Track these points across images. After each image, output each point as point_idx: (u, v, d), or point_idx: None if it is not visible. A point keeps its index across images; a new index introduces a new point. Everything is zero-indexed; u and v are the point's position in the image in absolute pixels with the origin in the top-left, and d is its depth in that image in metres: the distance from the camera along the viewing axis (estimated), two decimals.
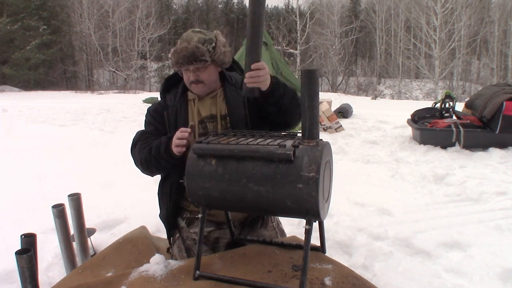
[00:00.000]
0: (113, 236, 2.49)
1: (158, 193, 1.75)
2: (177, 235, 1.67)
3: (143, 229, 1.96)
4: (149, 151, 1.52)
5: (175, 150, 1.43)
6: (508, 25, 22.61)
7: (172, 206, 1.65)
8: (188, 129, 1.43)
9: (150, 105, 1.72)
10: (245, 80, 1.34)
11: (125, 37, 26.78)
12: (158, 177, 1.75)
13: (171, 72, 1.92)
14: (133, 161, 1.63)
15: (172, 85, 1.70)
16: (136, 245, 1.72)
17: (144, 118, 1.71)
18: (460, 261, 2.22)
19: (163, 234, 1.78)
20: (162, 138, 1.51)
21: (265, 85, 1.38)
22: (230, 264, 1.36)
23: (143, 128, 1.69)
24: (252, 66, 1.32)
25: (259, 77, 1.33)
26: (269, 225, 1.72)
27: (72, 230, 2.17)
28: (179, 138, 1.42)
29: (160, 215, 1.75)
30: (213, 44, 1.54)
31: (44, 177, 3.99)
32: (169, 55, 1.59)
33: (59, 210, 1.98)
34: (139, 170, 1.64)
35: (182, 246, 1.62)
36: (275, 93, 1.44)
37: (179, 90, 1.65)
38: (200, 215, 1.29)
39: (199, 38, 1.53)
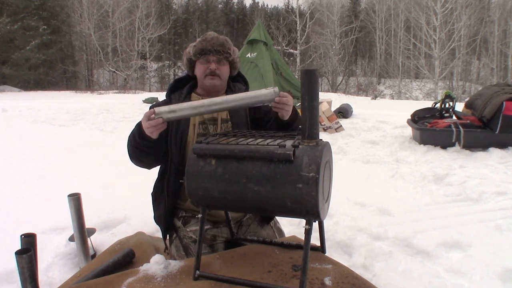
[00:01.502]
0: (113, 236, 2.49)
1: (152, 195, 1.76)
2: (174, 235, 1.68)
3: (138, 235, 1.96)
4: (130, 142, 1.53)
5: (152, 134, 1.41)
6: (508, 25, 22.62)
7: (169, 206, 1.65)
8: (152, 113, 1.39)
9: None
10: (273, 104, 1.40)
11: (125, 37, 26.79)
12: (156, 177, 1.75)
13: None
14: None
15: (178, 87, 1.77)
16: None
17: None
18: (460, 261, 2.22)
19: None
20: (135, 126, 1.51)
21: (287, 114, 1.45)
22: (230, 264, 1.36)
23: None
24: (281, 94, 1.38)
25: (285, 105, 1.40)
26: (266, 224, 1.73)
27: (72, 230, 2.17)
28: (149, 125, 1.39)
29: (155, 218, 1.74)
30: (233, 48, 1.71)
31: (44, 177, 3.99)
32: (191, 46, 1.68)
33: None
34: (136, 165, 1.65)
35: (180, 245, 1.63)
36: (290, 125, 1.51)
37: (184, 91, 1.72)
38: (200, 215, 1.29)
39: (225, 37, 1.70)
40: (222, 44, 1.65)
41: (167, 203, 1.64)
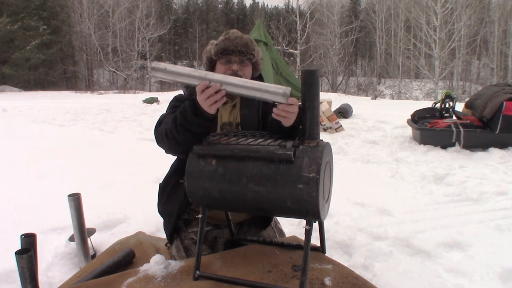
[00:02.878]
0: (113, 236, 2.49)
1: (161, 187, 1.70)
2: (175, 235, 1.66)
3: (138, 235, 1.95)
4: (174, 120, 1.30)
5: (212, 108, 1.20)
6: (508, 25, 22.62)
7: (184, 207, 1.60)
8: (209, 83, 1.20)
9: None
10: (275, 110, 1.22)
11: (125, 37, 26.79)
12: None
13: None
14: (155, 140, 1.46)
15: None
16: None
17: (168, 104, 1.61)
18: (460, 261, 2.22)
19: (163, 234, 1.77)
20: (186, 102, 1.28)
21: (289, 123, 1.26)
22: (230, 264, 1.36)
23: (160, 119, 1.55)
24: (288, 101, 1.17)
25: (288, 112, 1.20)
26: (267, 226, 1.72)
27: (72, 230, 2.18)
28: (210, 95, 1.18)
29: (161, 210, 1.70)
30: (257, 48, 1.60)
31: (44, 177, 3.99)
32: (213, 44, 1.58)
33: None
34: (163, 149, 1.45)
35: (181, 246, 1.62)
36: (290, 130, 1.31)
37: None
38: (200, 215, 1.29)
39: (249, 37, 1.58)
40: (246, 44, 1.55)
41: (183, 204, 1.57)
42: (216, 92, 1.18)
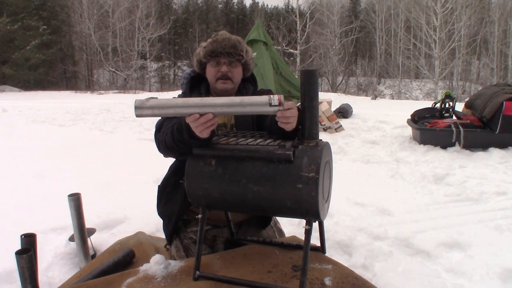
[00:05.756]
0: (113, 236, 2.49)
1: (160, 188, 1.70)
2: (174, 235, 1.67)
3: (138, 235, 1.96)
4: (171, 135, 1.32)
5: (204, 133, 1.20)
6: (508, 25, 22.60)
7: (184, 208, 1.60)
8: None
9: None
10: (277, 118, 1.19)
11: (125, 37, 26.79)
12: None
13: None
14: (156, 146, 1.49)
15: (196, 85, 1.67)
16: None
17: None
18: (460, 261, 2.22)
19: (163, 234, 1.77)
20: (183, 122, 1.26)
21: (291, 127, 1.22)
22: (230, 265, 1.36)
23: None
24: (284, 105, 1.13)
25: (288, 117, 1.18)
26: (267, 226, 1.72)
27: (72, 230, 2.18)
28: (203, 122, 1.17)
29: (161, 212, 1.70)
30: (246, 48, 1.60)
31: (44, 177, 3.99)
32: (202, 46, 1.58)
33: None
34: (163, 154, 1.49)
35: (180, 246, 1.63)
36: (296, 131, 1.27)
37: (203, 91, 1.62)
38: (199, 216, 1.29)
39: (237, 37, 1.59)
40: (234, 45, 1.54)
41: (183, 205, 1.57)
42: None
